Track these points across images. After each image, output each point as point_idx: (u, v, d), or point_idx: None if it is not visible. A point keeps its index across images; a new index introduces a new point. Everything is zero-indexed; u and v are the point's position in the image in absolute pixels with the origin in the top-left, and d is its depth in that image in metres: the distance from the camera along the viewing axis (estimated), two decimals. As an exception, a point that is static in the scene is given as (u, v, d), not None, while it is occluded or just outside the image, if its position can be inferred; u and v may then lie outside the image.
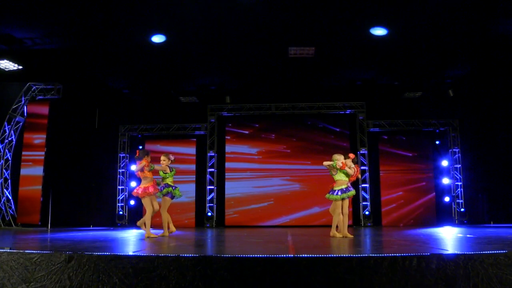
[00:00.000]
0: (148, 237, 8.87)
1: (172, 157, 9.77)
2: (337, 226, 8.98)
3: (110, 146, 17.94)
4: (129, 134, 18.27)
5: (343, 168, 8.87)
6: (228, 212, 17.28)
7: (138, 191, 9.29)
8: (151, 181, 9.37)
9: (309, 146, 17.47)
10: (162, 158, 9.70)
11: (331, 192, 9.01)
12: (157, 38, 12.27)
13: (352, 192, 9.03)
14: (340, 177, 9.02)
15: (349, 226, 9.44)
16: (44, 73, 14.75)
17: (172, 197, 9.58)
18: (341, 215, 8.88)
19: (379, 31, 11.92)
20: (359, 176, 9.50)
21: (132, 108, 18.19)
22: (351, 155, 9.19)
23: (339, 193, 8.90)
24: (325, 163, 9.13)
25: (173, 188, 9.59)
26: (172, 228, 9.82)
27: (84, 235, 9.69)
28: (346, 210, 9.02)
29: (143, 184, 9.33)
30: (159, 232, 9.87)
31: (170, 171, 9.67)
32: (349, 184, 9.05)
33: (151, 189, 9.25)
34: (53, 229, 13.25)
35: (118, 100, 17.53)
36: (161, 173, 9.64)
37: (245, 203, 17.25)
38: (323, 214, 15.64)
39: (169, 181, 9.61)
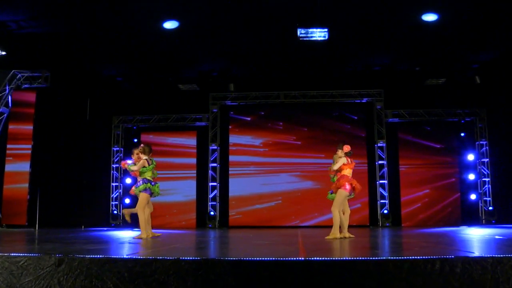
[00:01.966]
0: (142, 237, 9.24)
1: (140, 147, 9.69)
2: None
3: (102, 139, 17.98)
4: (124, 125, 18.30)
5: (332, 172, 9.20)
6: (232, 212, 17.29)
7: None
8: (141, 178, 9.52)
9: (323, 137, 17.34)
10: (135, 151, 9.67)
11: (331, 192, 9.27)
12: (154, 21, 12.25)
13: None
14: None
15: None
16: (30, 59, 14.76)
17: (151, 194, 9.46)
18: (341, 214, 9.00)
19: (398, 11, 11.88)
20: (333, 167, 9.32)
21: (127, 98, 18.20)
22: (346, 147, 9.15)
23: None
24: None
25: (152, 184, 9.45)
26: (150, 232, 9.57)
27: (75, 237, 9.73)
28: (347, 208, 9.27)
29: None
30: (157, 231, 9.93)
31: (149, 165, 9.47)
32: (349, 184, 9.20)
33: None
34: (41, 230, 13.32)
35: (111, 88, 17.54)
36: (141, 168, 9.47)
37: (249, 202, 17.23)
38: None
39: (147, 175, 9.44)
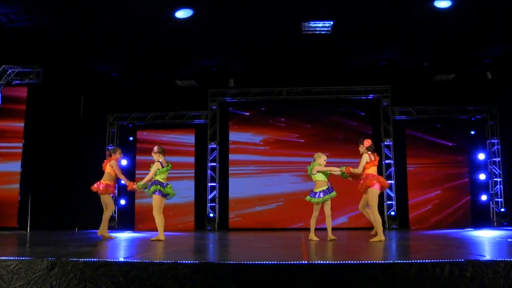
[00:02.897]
0: (101, 234, 9.92)
1: (155, 148, 9.94)
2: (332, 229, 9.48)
3: (97, 138, 17.97)
4: (119, 123, 18.31)
5: (349, 173, 9.12)
6: (231, 214, 17.27)
7: (99, 187, 10.04)
8: (115, 180, 10.34)
9: (327, 134, 17.30)
10: (152, 154, 9.92)
11: (312, 195, 9.47)
12: (151, 13, 12.24)
13: (334, 194, 9.39)
14: (320, 177, 9.49)
15: (371, 229, 9.49)
16: (22, 54, 14.76)
17: (164, 196, 9.60)
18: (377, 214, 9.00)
19: (405, 3, 11.87)
20: (356, 170, 9.32)
21: (122, 94, 18.20)
22: (367, 142, 9.14)
23: (322, 195, 9.35)
24: (332, 170, 9.46)
25: (164, 185, 9.60)
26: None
27: (68, 239, 9.74)
28: (329, 211, 9.39)
29: (106, 181, 10.12)
30: (154, 234, 9.94)
31: (163, 167, 9.71)
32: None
33: (112, 188, 10.14)
34: (33, 233, 13.33)
35: (106, 85, 17.55)
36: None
37: (250, 204, 17.16)
38: (344, 215, 15.60)
39: (160, 178, 9.63)
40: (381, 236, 8.67)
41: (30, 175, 15.37)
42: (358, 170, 9.05)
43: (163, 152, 9.87)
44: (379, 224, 8.81)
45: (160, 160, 9.73)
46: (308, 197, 9.56)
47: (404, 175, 17.22)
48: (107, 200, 10.08)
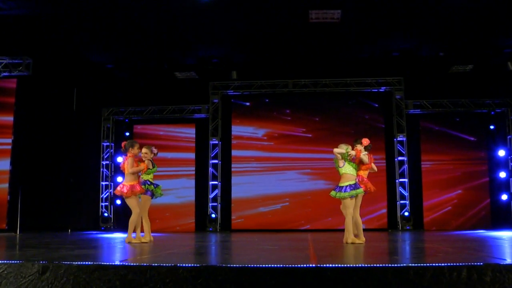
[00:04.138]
0: (129, 242, 9.13)
1: (155, 150, 9.95)
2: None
3: (91, 133, 18.02)
4: (114, 118, 18.35)
5: (358, 156, 8.81)
6: (233, 215, 17.29)
7: (123, 189, 9.38)
8: (137, 178, 9.56)
9: (337, 129, 17.26)
10: (144, 151, 9.79)
11: (337, 189, 8.90)
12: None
13: (361, 190, 8.93)
14: (348, 170, 8.89)
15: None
16: (10, 44, 14.78)
17: (152, 196, 9.78)
18: (358, 216, 8.92)
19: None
20: (374, 167, 9.41)
21: (118, 87, 18.24)
22: (365, 141, 9.12)
23: (348, 189, 8.79)
24: (336, 150, 8.93)
25: (155, 186, 9.81)
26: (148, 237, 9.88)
27: (61, 241, 9.76)
28: (358, 209, 9.09)
29: (129, 181, 9.40)
30: (154, 235, 9.97)
31: (153, 167, 9.85)
32: (357, 180, 9.01)
33: (137, 188, 9.39)
34: (23, 235, 13.35)
35: (101, 77, 17.56)
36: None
37: (252, 205, 17.16)
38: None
39: (150, 178, 9.79)
40: (349, 238, 8.65)
41: (20, 173, 15.38)
42: (368, 161, 9.00)
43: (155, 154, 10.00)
44: (357, 227, 8.83)
45: (151, 159, 9.79)
46: (333, 192, 9.06)
47: (419, 173, 17.21)
48: (132, 203, 9.43)
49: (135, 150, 9.54)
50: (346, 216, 8.92)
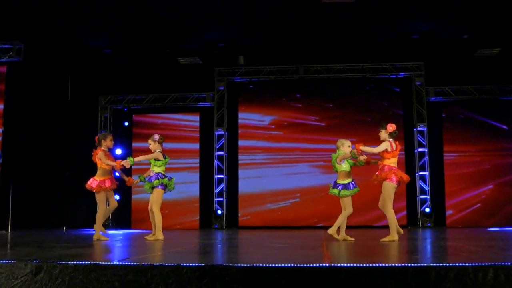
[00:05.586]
0: (98, 239, 9.68)
1: (156, 137, 9.96)
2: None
3: (87, 123, 18.03)
4: (112, 107, 18.36)
5: (358, 151, 8.95)
6: (240, 212, 17.31)
7: (92, 184, 9.77)
8: (110, 173, 9.98)
9: (353, 116, 17.17)
10: (150, 144, 9.95)
11: (341, 187, 9.33)
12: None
13: (357, 189, 9.30)
14: (347, 167, 9.44)
15: (403, 227, 9.48)
16: None
17: (164, 189, 9.80)
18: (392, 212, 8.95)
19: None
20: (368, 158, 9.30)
21: (116, 74, 18.23)
22: (390, 126, 9.05)
23: (351, 187, 9.32)
24: (344, 153, 9.32)
25: (168, 178, 9.81)
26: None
27: (55, 240, 9.80)
28: (350, 208, 9.36)
29: (100, 176, 9.81)
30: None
31: (164, 158, 9.83)
32: (385, 170, 8.92)
33: (108, 183, 9.79)
34: (14, 233, 13.42)
35: (98, 63, 17.57)
36: (152, 161, 9.86)
37: (260, 201, 17.10)
38: (370, 211, 15.52)
39: (161, 170, 9.80)
40: (394, 236, 8.64)
41: (11, 166, 15.42)
42: (373, 149, 8.95)
43: (162, 143, 9.98)
44: (393, 222, 8.77)
45: (160, 150, 9.83)
46: (332, 190, 9.44)
47: (441, 165, 17.14)
48: (100, 199, 9.85)
49: (107, 142, 9.93)
50: (344, 210, 9.38)
